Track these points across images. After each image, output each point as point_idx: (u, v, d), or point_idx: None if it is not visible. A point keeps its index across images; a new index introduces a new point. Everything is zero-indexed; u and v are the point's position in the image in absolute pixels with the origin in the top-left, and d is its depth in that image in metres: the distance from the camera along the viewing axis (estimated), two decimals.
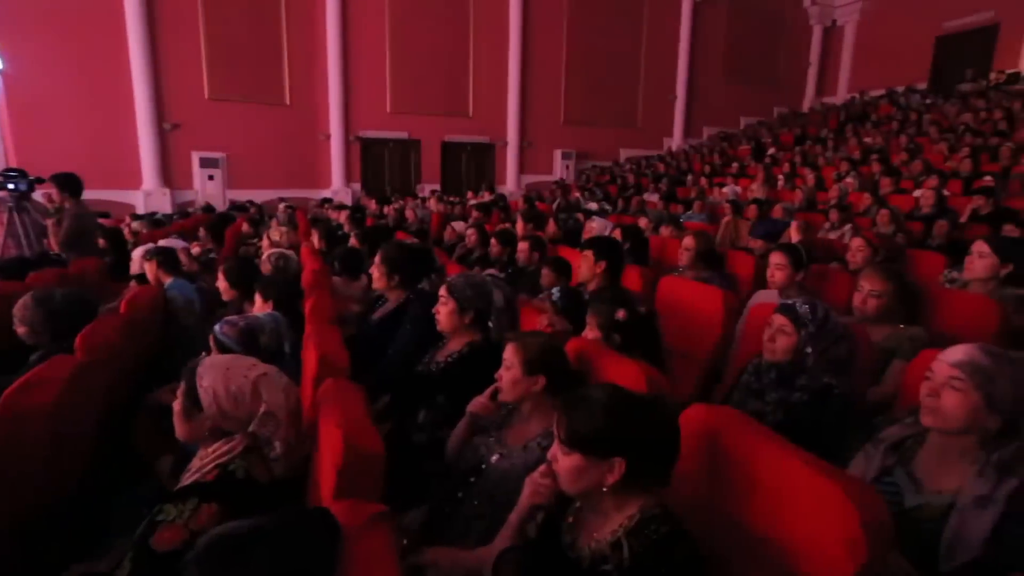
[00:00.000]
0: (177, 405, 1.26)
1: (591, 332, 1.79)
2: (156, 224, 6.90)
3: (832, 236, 5.94)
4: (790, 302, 1.59)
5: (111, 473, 1.73)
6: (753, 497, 1.04)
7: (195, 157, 11.81)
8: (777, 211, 6.58)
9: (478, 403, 1.54)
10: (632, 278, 2.75)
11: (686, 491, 1.05)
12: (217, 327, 1.79)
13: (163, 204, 11.19)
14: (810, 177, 8.46)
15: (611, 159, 15.58)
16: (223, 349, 1.73)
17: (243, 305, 2.62)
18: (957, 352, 1.21)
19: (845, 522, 0.84)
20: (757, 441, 1.07)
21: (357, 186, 13.12)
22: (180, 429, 1.27)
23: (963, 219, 5.54)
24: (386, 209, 7.73)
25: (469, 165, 14.45)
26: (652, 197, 9.82)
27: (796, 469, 0.96)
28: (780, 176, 9.06)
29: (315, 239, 4.12)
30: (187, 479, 1.23)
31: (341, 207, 7.02)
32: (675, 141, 16.64)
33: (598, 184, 12.53)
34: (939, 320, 2.13)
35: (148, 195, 11.27)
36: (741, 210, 7.34)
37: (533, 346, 1.43)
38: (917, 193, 6.65)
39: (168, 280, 3.06)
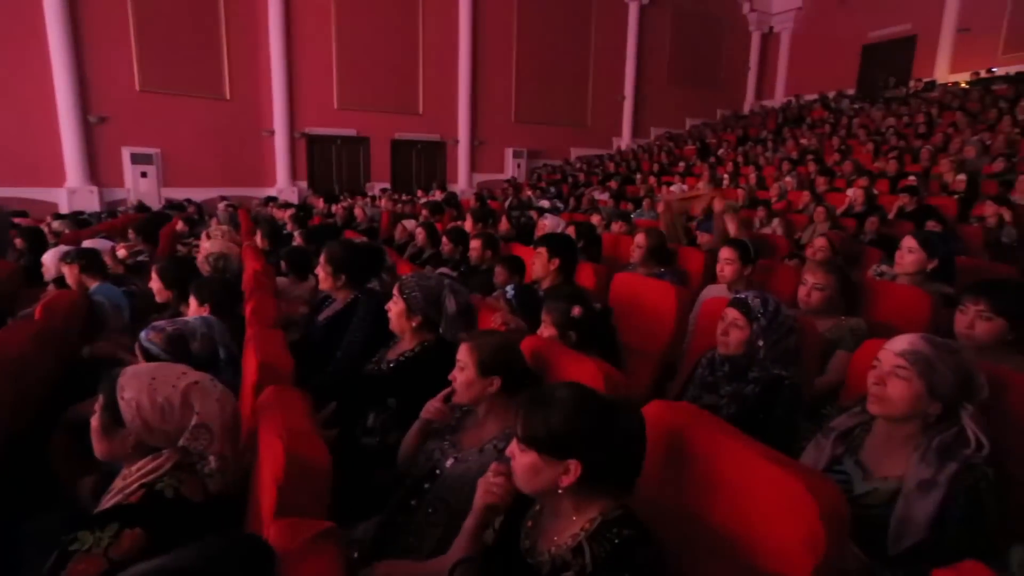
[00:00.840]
0: (95, 421, 1.14)
1: (547, 330, 1.76)
2: (81, 224, 6.42)
3: (766, 231, 6.20)
4: (742, 296, 1.61)
5: (22, 498, 1.55)
6: (714, 493, 1.03)
7: (126, 153, 11.10)
8: (717, 204, 6.76)
9: (432, 407, 1.47)
10: (586, 275, 2.74)
11: (647, 489, 1.03)
12: (143, 334, 1.64)
13: (90, 203, 10.46)
14: (752, 176, 8.79)
15: (562, 158, 15.72)
16: (149, 357, 1.59)
17: (180, 308, 2.45)
18: (902, 342, 1.24)
19: (805, 515, 0.84)
20: (716, 436, 1.06)
21: (304, 184, 12.70)
22: (99, 447, 1.15)
23: (891, 216, 5.86)
24: (334, 208, 7.50)
25: (420, 163, 14.25)
26: (602, 195, 9.97)
27: (756, 463, 0.96)
28: (725, 175, 9.36)
29: (258, 239, 3.91)
30: (108, 501, 1.11)
31: (286, 206, 6.74)
32: (624, 141, 16.96)
33: (551, 182, 12.62)
34: (877, 311, 2.22)
35: (72, 193, 10.50)
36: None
37: (487, 346, 1.39)
38: (849, 192, 7.02)
39: (93, 284, 2.83)
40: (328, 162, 13.15)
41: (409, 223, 4.80)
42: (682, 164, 11.62)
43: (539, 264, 2.69)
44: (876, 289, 2.26)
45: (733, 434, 1.05)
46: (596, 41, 15.94)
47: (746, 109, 19.26)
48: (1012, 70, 13.66)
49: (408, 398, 1.62)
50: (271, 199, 9.99)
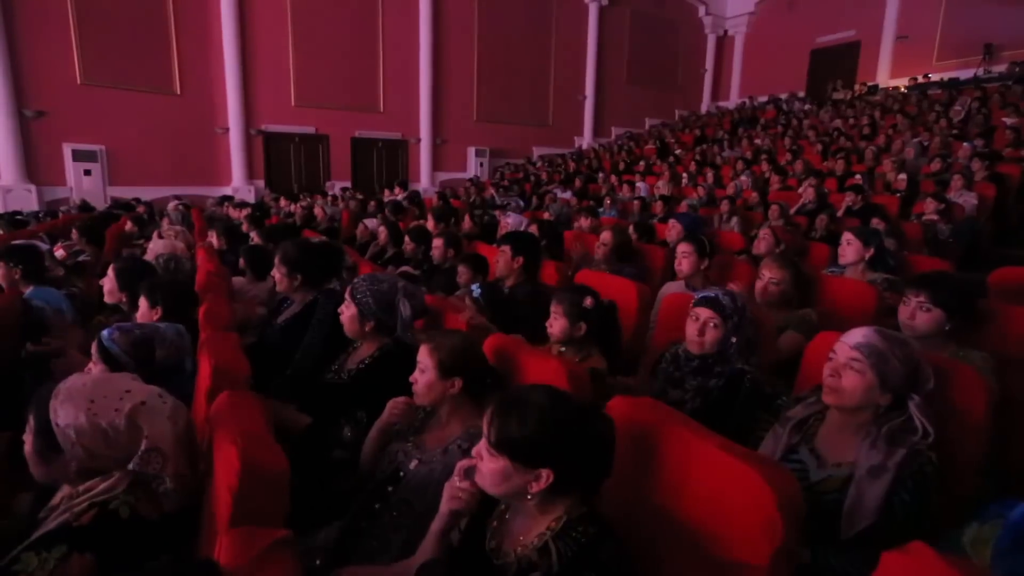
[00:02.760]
0: (29, 445, 1.04)
1: (557, 321, 1.75)
2: (17, 224, 6.05)
3: (724, 228, 6.38)
4: (711, 294, 1.64)
5: None
6: (678, 486, 1.04)
7: (67, 149, 10.52)
8: (682, 207, 6.94)
9: (393, 410, 1.44)
10: (549, 273, 2.75)
11: (611, 484, 1.03)
12: (106, 333, 1.54)
13: (27, 202, 9.87)
14: (710, 175, 9.01)
15: (524, 157, 15.76)
16: (107, 358, 1.51)
17: (132, 312, 2.33)
18: (856, 335, 1.29)
19: (763, 504, 0.86)
20: (678, 431, 1.08)
21: (260, 183, 12.33)
22: (36, 471, 1.06)
23: (840, 213, 6.10)
24: (293, 207, 7.30)
25: (381, 162, 14.04)
26: (564, 194, 10.04)
27: (716, 456, 0.98)
28: (684, 174, 9.57)
29: (214, 238, 3.77)
30: (54, 519, 1.03)
31: (242, 205, 6.52)
32: (585, 140, 17.14)
33: (513, 181, 12.63)
34: (827, 303, 2.31)
35: (7, 192, 9.89)
36: (649, 207, 7.70)
37: (448, 347, 1.37)
38: (801, 190, 7.29)
39: (29, 288, 2.66)
40: (286, 160, 12.81)
41: (371, 222, 4.72)
42: (643, 163, 11.81)
43: (503, 262, 2.69)
44: (827, 283, 2.35)
45: (695, 428, 1.07)
46: (557, 41, 16.05)
47: (703, 110, 19.75)
48: (945, 76, 14.48)
49: (376, 408, 1.58)
50: (226, 198, 9.64)
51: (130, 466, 1.04)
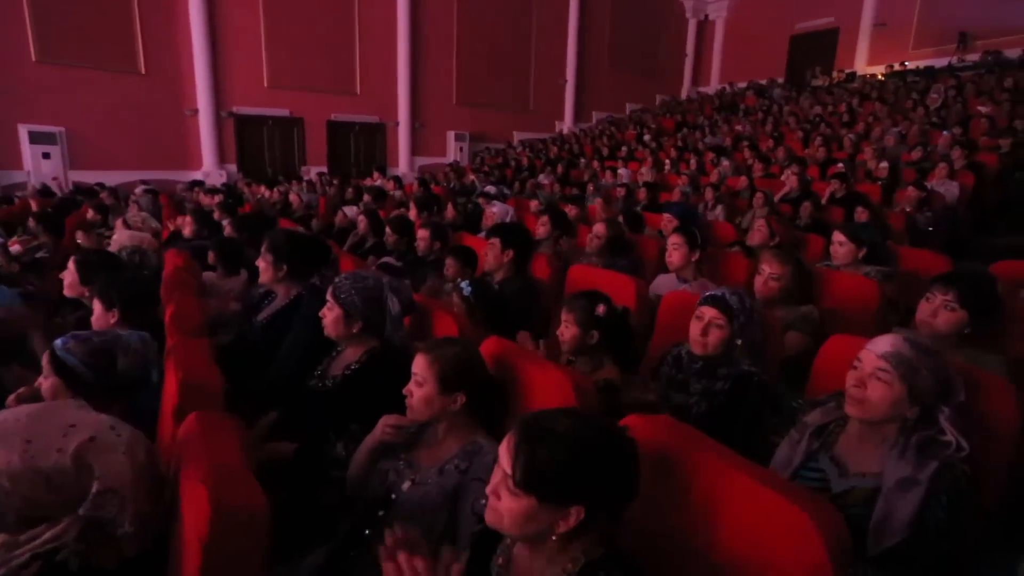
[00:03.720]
0: None
1: (568, 329, 1.64)
2: None
3: (709, 217, 6.33)
4: (718, 293, 1.54)
5: None
6: (704, 518, 0.95)
7: (23, 131, 9.96)
8: (675, 195, 6.88)
9: (386, 427, 1.31)
10: (540, 267, 2.64)
11: (631, 513, 0.93)
12: (59, 342, 1.37)
13: None
14: (693, 162, 8.96)
15: (505, 141, 15.53)
16: (62, 372, 1.35)
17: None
18: (884, 343, 1.21)
19: (810, 548, 0.77)
20: (705, 456, 0.98)
21: (233, 167, 11.89)
22: None
23: (823, 201, 6.09)
24: (268, 193, 7.03)
25: (358, 146, 13.67)
26: (546, 180, 9.90)
27: (752, 488, 0.88)
28: (667, 161, 9.49)
29: (186, 225, 3.55)
30: None
31: (214, 191, 6.23)
32: (566, 124, 16.97)
33: (493, 166, 12.43)
34: (829, 299, 2.24)
35: None
36: (633, 194, 7.61)
37: (450, 359, 1.25)
38: (784, 177, 7.28)
39: None
40: (259, 144, 12.37)
41: (350, 210, 4.53)
42: (624, 149, 11.72)
43: (492, 256, 2.56)
44: (828, 278, 2.28)
45: (726, 456, 0.97)
46: (538, 24, 15.76)
47: (683, 95, 19.70)
48: (921, 64, 14.64)
49: (363, 419, 1.45)
50: (197, 183, 9.25)
51: (81, 511, 0.89)
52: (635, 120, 16.02)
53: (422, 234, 3.10)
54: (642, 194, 7.25)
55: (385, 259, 3.43)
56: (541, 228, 3.48)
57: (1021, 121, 7.90)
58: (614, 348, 1.62)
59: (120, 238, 3.05)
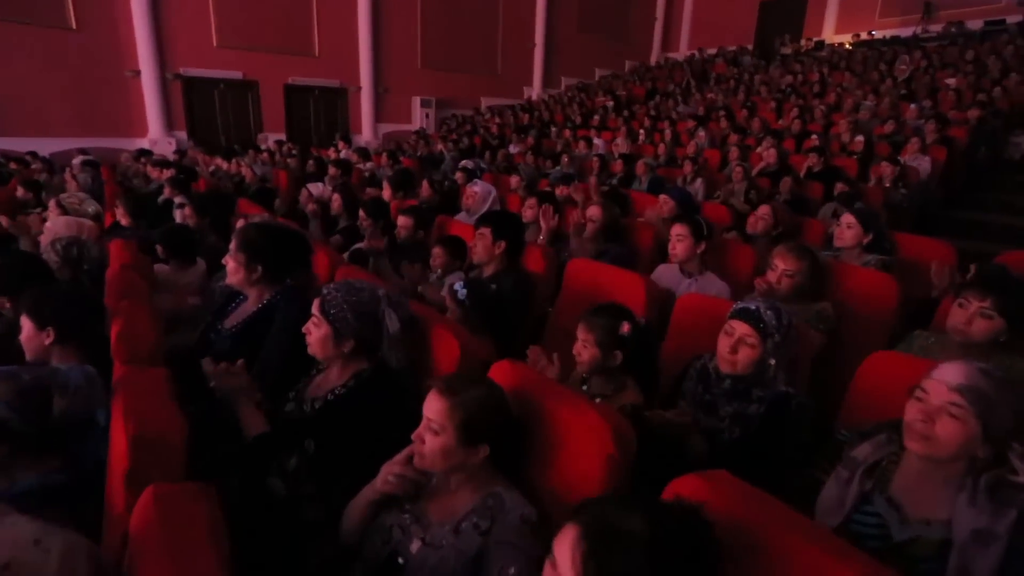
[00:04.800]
0: None
1: (587, 350, 1.45)
2: None
3: (688, 190, 6.21)
4: (752, 306, 1.38)
5: None
6: None
7: None
8: (639, 167, 6.71)
9: (390, 478, 1.11)
10: (534, 259, 2.43)
11: None
12: None
13: None
14: (668, 132, 8.79)
15: (472, 108, 15.00)
16: None
17: (16, 319, 1.84)
18: (957, 374, 1.07)
19: None
20: (792, 540, 0.82)
21: (183, 135, 11.09)
22: None
23: (801, 175, 6.03)
24: (226, 165, 6.51)
25: (319, 112, 12.94)
26: (516, 149, 9.59)
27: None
28: (641, 131, 9.29)
29: (122, 216, 3.15)
30: None
31: (164, 164, 5.69)
32: (535, 91, 16.51)
33: (462, 134, 11.99)
34: (842, 295, 2.13)
35: None
36: (608, 166, 7.41)
37: (475, 406, 1.05)
38: (760, 150, 7.20)
39: None
40: (211, 109, 11.54)
41: (315, 187, 4.19)
42: (597, 117, 11.45)
43: (481, 247, 2.35)
44: (842, 273, 2.16)
45: (825, 541, 0.81)
46: None
47: (652, 61, 19.40)
48: (887, 33, 14.73)
49: (347, 452, 1.26)
50: (144, 152, 8.51)
51: None
52: (605, 87, 15.68)
53: (403, 221, 2.84)
54: (618, 166, 7.08)
55: (358, 246, 3.17)
56: (528, 211, 3.27)
57: (985, 95, 7.99)
58: (635, 366, 1.46)
59: (55, 226, 2.68)
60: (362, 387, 1.41)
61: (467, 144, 10.62)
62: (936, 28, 13.92)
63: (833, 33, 16.13)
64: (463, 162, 5.03)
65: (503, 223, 2.35)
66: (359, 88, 13.12)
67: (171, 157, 8.19)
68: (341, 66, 12.70)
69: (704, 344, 1.73)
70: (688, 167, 6.27)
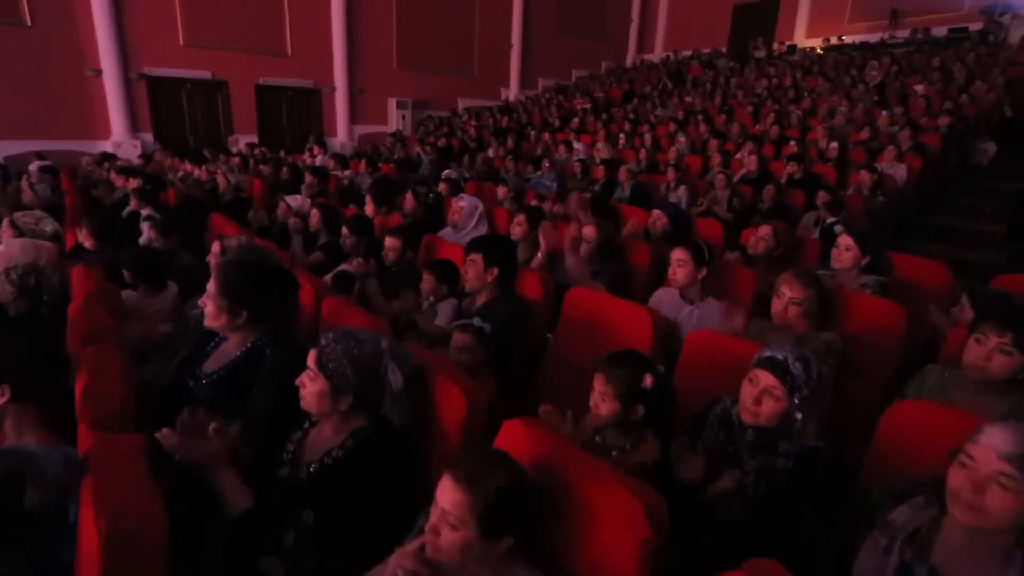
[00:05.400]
0: None
1: (606, 404, 1.35)
2: None
3: (672, 198, 6.20)
4: (779, 356, 1.30)
5: None
6: None
7: None
8: (622, 173, 6.67)
9: (401, 571, 1.00)
10: (530, 285, 2.33)
11: None
12: None
13: None
14: (648, 137, 8.79)
15: (449, 109, 14.83)
16: None
17: None
18: (1007, 441, 1.01)
19: None
20: None
21: (148, 136, 10.66)
22: None
23: (782, 182, 6.05)
24: (197, 171, 6.23)
25: (291, 113, 12.60)
26: (495, 152, 9.49)
27: None
28: (621, 135, 9.27)
29: (86, 238, 2.92)
30: None
31: (130, 172, 5.39)
32: (512, 92, 16.43)
33: (440, 135, 11.81)
34: (848, 323, 2.09)
35: None
36: (590, 171, 7.36)
37: (497, 497, 0.94)
38: (741, 156, 7.23)
39: None
40: (178, 110, 11.11)
41: (294, 200, 4.01)
42: (576, 121, 11.40)
43: (473, 274, 2.23)
44: (849, 300, 2.11)
45: None
46: None
47: (628, 62, 19.50)
48: (857, 39, 15.06)
49: (334, 514, 1.14)
50: (107, 156, 8.10)
51: None
52: (582, 88, 15.67)
53: (391, 243, 2.70)
54: (599, 171, 7.03)
55: (344, 267, 3.02)
56: (517, 228, 3.16)
57: (952, 102, 8.18)
58: (655, 419, 1.37)
59: (10, 250, 2.46)
60: (362, 448, 1.29)
61: (445, 145, 10.47)
62: (903, 34, 14.28)
63: (804, 37, 16.43)
64: (446, 172, 4.90)
65: (495, 248, 2.24)
66: (333, 89, 12.82)
67: (136, 161, 7.84)
68: (314, 66, 12.39)
69: (717, 384, 1.65)
70: (671, 174, 6.25)
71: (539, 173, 7.72)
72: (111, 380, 1.36)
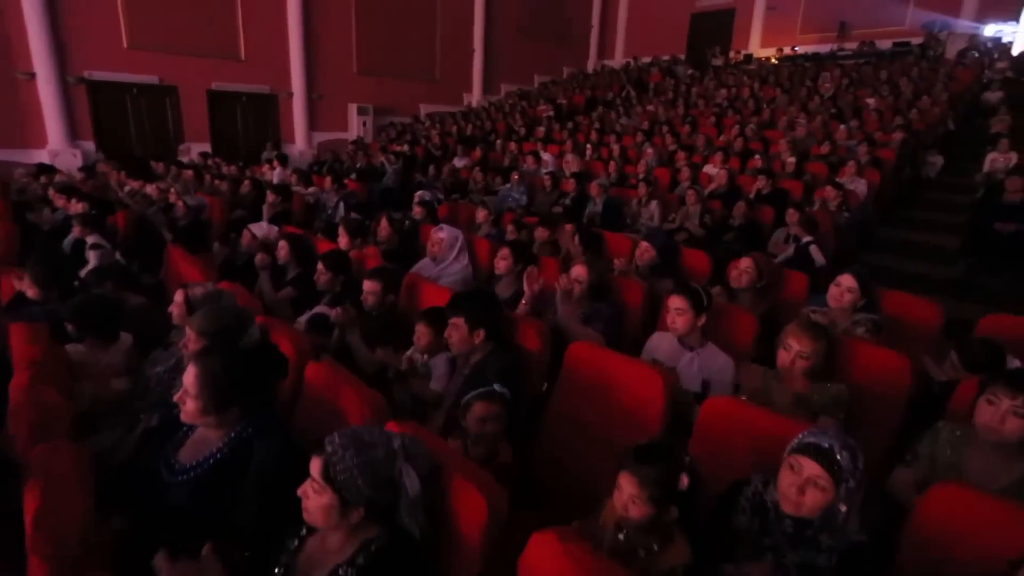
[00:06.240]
0: None
1: (637, 507, 1.23)
2: None
3: (644, 215, 6.20)
4: (824, 444, 1.22)
5: None
6: None
7: None
8: (593, 188, 6.64)
9: None
10: (529, 336, 2.20)
11: None
12: None
13: None
14: (615, 147, 8.81)
15: (411, 114, 14.56)
16: None
17: None
18: None
19: None
20: None
21: (90, 145, 9.98)
22: None
23: (751, 197, 6.12)
24: (149, 188, 5.81)
25: (247, 120, 12.06)
26: (461, 162, 9.34)
27: None
28: (588, 145, 9.26)
29: (28, 288, 2.58)
30: None
31: (70, 191, 4.93)
32: (475, 97, 16.29)
33: (406, 142, 11.54)
34: (853, 374, 2.05)
35: None
36: (559, 183, 7.29)
37: None
38: (708, 168, 7.31)
39: None
40: (123, 117, 10.44)
41: (259, 228, 3.76)
42: (542, 130, 11.34)
43: (458, 338, 2.08)
44: (851, 349, 2.08)
45: None
46: None
47: (590, 68, 19.65)
48: (809, 49, 15.60)
49: None
50: (45, 169, 7.42)
51: None
52: (545, 95, 15.65)
53: (371, 287, 2.51)
54: (570, 184, 6.99)
55: (318, 310, 2.82)
56: (501, 263, 3.03)
57: (902, 116, 8.52)
58: (684, 516, 1.27)
59: None
60: (376, 564, 1.14)
61: (409, 153, 10.22)
62: (851, 46, 14.87)
63: (759, 47, 16.92)
64: (419, 193, 4.72)
65: (477, 310, 2.08)
66: (291, 94, 12.35)
67: (77, 174, 7.27)
68: (270, 71, 11.90)
69: (738, 457, 1.58)
70: (643, 189, 6.24)
71: (508, 186, 7.61)
72: (69, 499, 1.16)
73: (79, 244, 4.12)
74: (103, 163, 8.82)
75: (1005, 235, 4.98)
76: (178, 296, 2.31)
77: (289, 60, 12.08)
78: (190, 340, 1.73)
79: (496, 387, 1.69)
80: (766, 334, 2.46)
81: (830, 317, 2.59)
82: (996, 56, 11.91)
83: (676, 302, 2.24)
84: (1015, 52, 12.15)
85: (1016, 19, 12.98)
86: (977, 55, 12.17)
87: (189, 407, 1.39)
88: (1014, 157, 6.90)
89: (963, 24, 13.26)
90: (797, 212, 5.22)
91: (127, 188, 6.67)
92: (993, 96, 9.63)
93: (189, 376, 1.40)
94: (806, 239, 4.72)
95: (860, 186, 6.36)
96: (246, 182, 6.12)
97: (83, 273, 3.90)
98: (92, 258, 4.05)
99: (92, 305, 2.38)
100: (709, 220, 5.87)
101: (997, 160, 7.01)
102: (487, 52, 16.21)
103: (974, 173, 7.23)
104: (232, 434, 1.46)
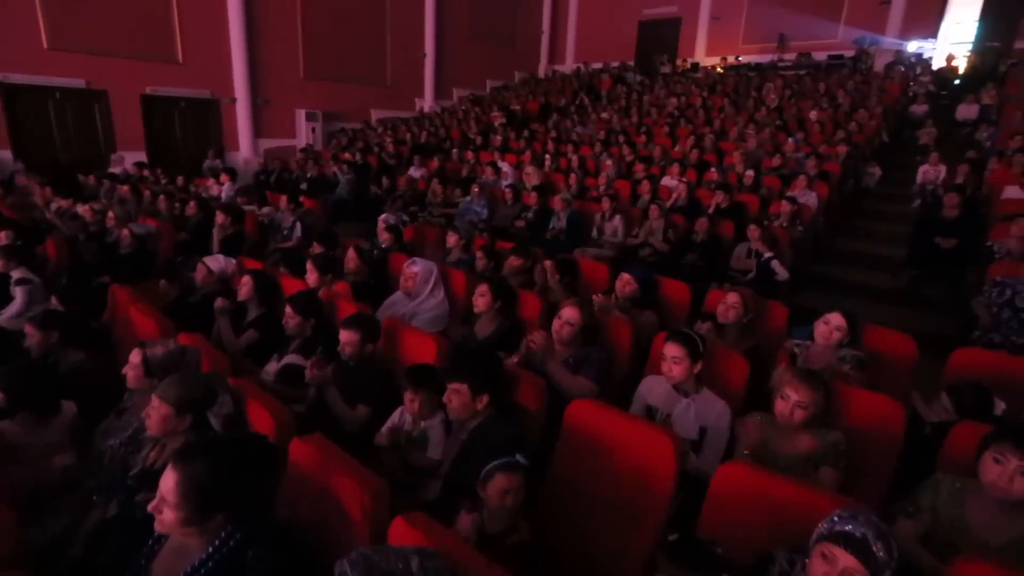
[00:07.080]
0: None
1: None
2: None
3: (608, 229, 6.20)
4: (857, 533, 1.18)
5: None
6: None
7: None
8: (556, 202, 6.62)
9: None
10: (527, 395, 2.09)
11: None
12: None
13: None
14: (574, 158, 8.82)
15: (361, 120, 14.15)
16: None
17: None
18: None
19: None
20: None
21: (6, 154, 9.13)
22: None
23: (710, 211, 6.23)
24: (81, 208, 5.32)
25: (186, 126, 11.36)
26: (417, 172, 9.13)
27: None
28: (547, 156, 9.23)
29: None
30: None
31: None
32: (427, 102, 16.03)
33: (358, 150, 11.18)
34: (848, 420, 2.07)
35: None
36: (520, 195, 7.23)
37: None
38: (666, 180, 7.42)
39: None
40: (45, 123, 9.58)
41: (215, 261, 3.48)
42: (498, 138, 11.25)
43: (459, 404, 1.95)
44: (843, 395, 2.10)
45: None
46: None
47: (541, 72, 19.72)
48: (752, 59, 16.21)
49: None
50: None
51: None
52: (498, 101, 15.57)
53: (348, 337, 2.33)
54: (531, 198, 6.93)
55: (289, 359, 2.62)
56: (480, 300, 2.91)
57: (843, 129, 8.94)
58: None
59: None
60: None
61: (362, 161, 9.89)
62: (790, 57, 15.55)
63: (704, 55, 17.44)
64: (384, 216, 4.52)
65: (481, 374, 1.96)
66: (234, 99, 11.73)
67: None
68: (211, 74, 11.26)
69: (753, 525, 1.54)
70: (606, 203, 6.22)
71: (468, 199, 7.48)
72: None
73: (2, 280, 3.72)
74: (23, 175, 8.09)
75: (944, 249, 5.28)
76: (134, 357, 2.08)
77: (231, 63, 11.46)
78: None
79: (518, 457, 1.59)
80: (753, 369, 2.47)
81: (814, 351, 2.63)
82: (919, 71, 12.72)
83: (673, 350, 2.20)
84: (935, 67, 13.03)
85: (935, 36, 13.93)
86: (903, 69, 12.96)
87: (167, 517, 1.22)
88: (943, 169, 7.35)
89: (889, 40, 14.11)
90: (758, 228, 5.33)
91: (54, 206, 6.11)
92: (919, 109, 10.25)
93: (168, 483, 1.22)
94: (767, 254, 4.84)
95: (811, 199, 6.59)
96: (191, 203, 5.71)
97: (3, 315, 3.53)
98: (18, 295, 3.66)
99: (26, 375, 2.09)
100: (672, 235, 5.93)
101: (928, 172, 7.46)
102: (438, 56, 15.99)
103: (908, 183, 7.67)
104: (217, 542, 1.29)
